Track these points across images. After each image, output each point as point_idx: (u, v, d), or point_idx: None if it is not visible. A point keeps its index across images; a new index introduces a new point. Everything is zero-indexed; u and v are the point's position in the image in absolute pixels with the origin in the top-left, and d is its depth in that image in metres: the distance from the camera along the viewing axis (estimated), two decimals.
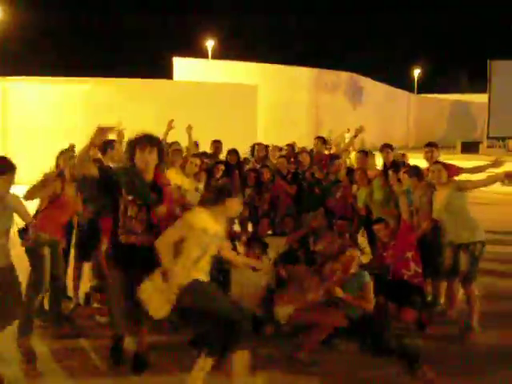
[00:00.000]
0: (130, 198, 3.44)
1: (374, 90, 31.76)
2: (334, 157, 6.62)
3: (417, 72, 43.42)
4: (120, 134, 6.23)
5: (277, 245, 4.98)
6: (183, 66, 24.04)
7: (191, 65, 24.26)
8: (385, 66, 39.98)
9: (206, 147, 7.29)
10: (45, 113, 18.37)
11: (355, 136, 6.77)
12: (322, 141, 6.92)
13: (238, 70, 25.01)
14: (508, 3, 43.37)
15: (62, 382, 3.40)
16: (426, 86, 42.52)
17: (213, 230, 3.30)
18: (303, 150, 6.74)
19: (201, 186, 6.17)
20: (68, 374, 3.46)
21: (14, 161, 5.29)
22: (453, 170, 5.28)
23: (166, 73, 23.46)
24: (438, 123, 37.33)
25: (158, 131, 15.28)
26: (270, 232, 5.65)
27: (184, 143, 7.18)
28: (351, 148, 7.39)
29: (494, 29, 47.07)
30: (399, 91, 36.72)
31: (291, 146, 7.25)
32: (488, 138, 26.79)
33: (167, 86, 19.94)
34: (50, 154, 5.39)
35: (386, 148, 6.48)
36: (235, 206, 3.38)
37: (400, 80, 39.10)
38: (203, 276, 3.33)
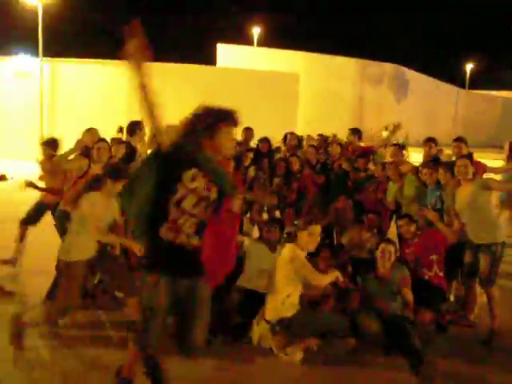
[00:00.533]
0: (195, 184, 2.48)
1: (421, 83, 30.77)
2: (368, 152, 6.47)
3: (469, 67, 41.74)
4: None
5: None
6: (227, 53, 24.06)
7: (234, 51, 24.24)
8: (434, 58, 38.69)
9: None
10: (91, 94, 18.89)
11: (393, 132, 6.58)
12: (356, 132, 6.75)
13: (281, 58, 24.83)
14: None
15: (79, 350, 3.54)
16: (477, 82, 40.96)
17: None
18: (334, 140, 6.61)
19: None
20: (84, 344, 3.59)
21: (62, 140, 5.49)
22: (479, 167, 5.09)
23: (210, 59, 23.54)
24: (487, 121, 35.85)
25: None
26: (295, 222, 5.60)
27: None
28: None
29: None
30: (447, 86, 35.41)
31: (322, 137, 7.13)
32: None
33: (208, 71, 20.03)
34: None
35: (429, 142, 6.23)
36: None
37: (450, 75, 37.83)
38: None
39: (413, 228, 4.44)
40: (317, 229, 3.91)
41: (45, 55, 19.04)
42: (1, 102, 18.74)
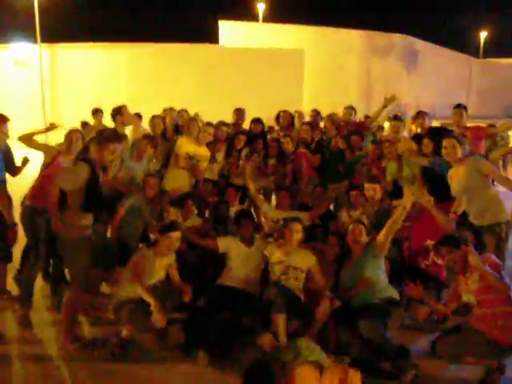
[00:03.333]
0: None
1: (431, 53, 29.74)
2: (360, 128, 6.11)
3: (483, 35, 40.31)
4: None
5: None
6: (229, 30, 23.49)
7: (238, 28, 23.65)
8: (446, 28, 37.44)
9: (249, 115, 6.94)
10: (92, 79, 18.60)
11: (384, 106, 6.17)
12: (351, 109, 6.40)
13: (286, 34, 24.17)
14: None
15: None
16: (491, 51, 39.55)
17: None
18: (330, 117, 6.24)
19: (219, 156, 5.88)
20: None
21: (63, 125, 5.32)
22: (474, 132, 4.76)
23: (211, 37, 23.02)
24: (503, 91, 34.72)
25: (201, 97, 15.07)
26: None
27: (225, 114, 6.95)
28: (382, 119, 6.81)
29: None
30: (460, 55, 34.23)
31: (316, 112, 6.75)
32: None
33: (210, 51, 19.58)
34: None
35: (420, 115, 5.92)
36: None
37: (463, 44, 36.57)
38: None
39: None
40: (296, 226, 3.93)
41: (43, 41, 18.73)
42: (2, 90, 18.55)
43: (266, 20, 28.87)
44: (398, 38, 26.85)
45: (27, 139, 4.40)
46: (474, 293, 3.24)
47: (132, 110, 6.03)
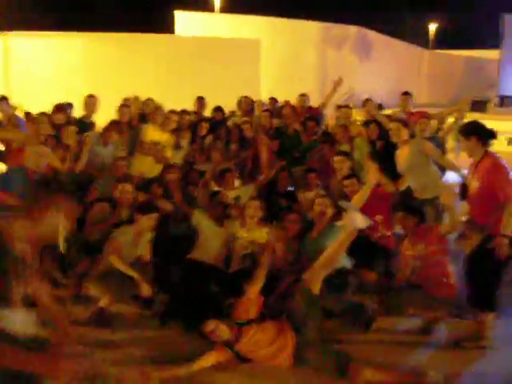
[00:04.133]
0: None
1: (384, 45, 30.73)
2: (315, 114, 6.54)
3: (433, 26, 41.82)
4: None
5: (246, 193, 5.03)
6: (185, 20, 23.43)
7: (193, 19, 23.62)
8: (398, 19, 38.56)
9: (209, 104, 7.22)
10: (45, 69, 18.20)
11: (334, 89, 6.63)
12: (303, 96, 6.85)
13: (243, 24, 24.32)
14: None
15: None
16: (443, 42, 40.99)
17: None
18: (286, 103, 6.64)
19: (184, 143, 6.15)
20: None
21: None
22: (418, 116, 5.29)
23: (167, 27, 22.89)
24: (450, 80, 36.26)
25: (159, 87, 15.10)
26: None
27: (185, 102, 7.17)
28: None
29: None
30: (411, 46, 35.49)
31: (273, 100, 7.15)
32: (498, 96, 26.00)
33: (167, 40, 19.56)
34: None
35: (367, 102, 6.40)
36: None
37: (414, 35, 37.72)
38: None
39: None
40: (255, 203, 4.37)
41: None
42: None
43: (222, 10, 28.90)
44: (353, 30, 27.56)
45: None
46: (418, 256, 3.72)
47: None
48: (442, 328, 3.80)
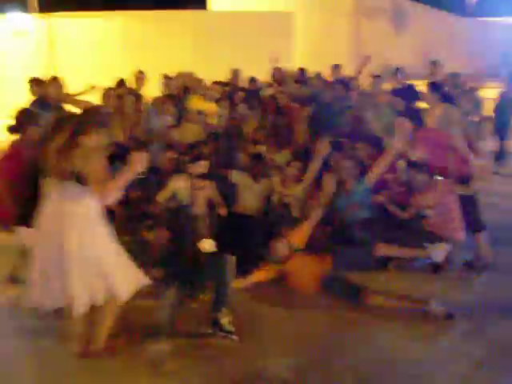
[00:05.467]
0: None
1: (421, 14, 30.12)
2: (346, 82, 7.01)
3: None
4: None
5: (283, 157, 5.65)
6: None
7: None
8: None
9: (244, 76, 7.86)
10: (88, 48, 19.06)
11: (362, 66, 7.10)
12: (336, 67, 7.31)
13: None
14: None
15: None
16: (483, 10, 39.69)
17: None
18: (317, 74, 7.15)
19: (225, 111, 6.78)
20: None
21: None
22: None
23: (201, 3, 23.30)
24: (487, 49, 35.22)
25: (194, 62, 15.80)
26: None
27: (222, 74, 7.78)
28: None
29: None
30: (448, 15, 34.57)
31: (302, 70, 7.66)
32: None
33: (201, 16, 20.11)
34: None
35: (397, 72, 6.81)
36: None
37: (453, 4, 36.65)
38: None
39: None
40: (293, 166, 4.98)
41: (40, 10, 19.11)
42: (1, 61, 18.96)
43: None
44: (386, 0, 27.21)
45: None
46: (429, 205, 4.31)
47: (130, 75, 6.73)
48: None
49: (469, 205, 4.43)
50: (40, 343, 3.55)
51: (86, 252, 2.94)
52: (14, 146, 3.92)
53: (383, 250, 4.33)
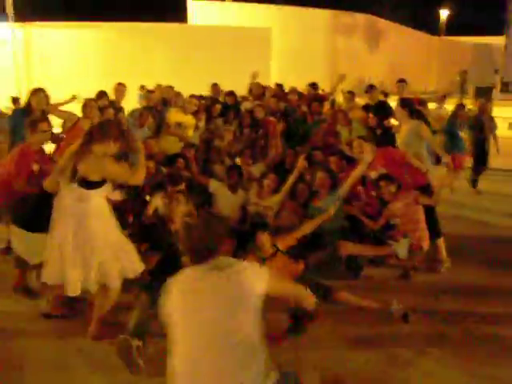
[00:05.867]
0: None
1: (394, 32, 31.10)
2: (322, 98, 7.28)
3: (444, 13, 41.76)
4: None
5: (257, 169, 5.82)
6: (198, 10, 24.08)
7: (206, 8, 24.26)
8: (408, 6, 38.65)
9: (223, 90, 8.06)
10: (64, 58, 19.03)
11: (337, 83, 7.39)
12: (312, 85, 7.60)
13: (254, 13, 24.91)
14: None
15: None
16: (454, 29, 41.03)
17: None
18: (292, 89, 7.38)
19: (201, 123, 6.94)
20: None
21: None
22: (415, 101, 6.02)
23: (180, 16, 23.55)
24: (459, 68, 36.44)
25: (172, 75, 15.97)
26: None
27: (199, 88, 7.95)
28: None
29: None
30: (421, 34, 35.79)
31: (279, 86, 7.89)
32: (502, 82, 26.36)
33: (180, 30, 20.30)
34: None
35: (369, 89, 7.12)
36: None
37: (425, 22, 37.84)
38: None
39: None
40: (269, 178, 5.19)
41: (16, 20, 19.01)
42: None
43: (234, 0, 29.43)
44: (362, 18, 28.03)
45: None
46: (397, 215, 4.54)
47: (106, 88, 6.84)
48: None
49: (430, 214, 4.69)
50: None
51: (102, 237, 3.42)
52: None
53: (348, 247, 4.54)
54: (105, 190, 3.48)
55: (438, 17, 41.88)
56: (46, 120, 4.46)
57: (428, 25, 38.60)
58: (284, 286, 2.47)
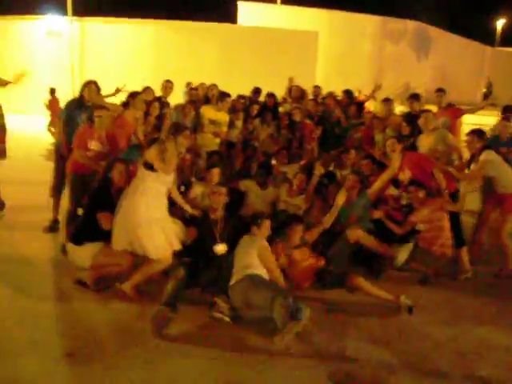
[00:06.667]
0: None
1: (444, 41, 30.42)
2: (359, 103, 7.38)
3: (500, 23, 40.46)
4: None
5: (291, 170, 6.02)
6: (248, 11, 24.44)
7: (256, 9, 24.58)
8: (462, 15, 37.72)
9: (265, 91, 8.27)
10: (117, 51, 19.79)
11: (374, 91, 7.47)
12: (347, 93, 7.71)
13: (302, 16, 25.03)
14: None
15: None
16: (510, 40, 39.70)
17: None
18: (329, 94, 7.51)
19: (239, 122, 7.19)
20: None
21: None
22: (451, 112, 6.02)
23: (230, 17, 23.98)
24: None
25: (220, 72, 16.34)
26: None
27: (246, 88, 8.21)
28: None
29: None
30: (473, 43, 34.77)
31: (317, 88, 8.02)
32: None
33: (230, 30, 20.63)
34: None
35: (410, 98, 7.13)
36: None
37: (480, 32, 36.84)
38: None
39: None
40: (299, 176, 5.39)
41: (74, 14, 19.93)
42: (33, 60, 19.78)
43: (283, 2, 29.63)
44: (411, 25, 27.62)
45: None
46: (423, 221, 4.64)
47: (155, 83, 7.18)
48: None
49: (455, 222, 4.76)
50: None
51: (152, 213, 4.08)
52: None
53: (357, 233, 4.75)
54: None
55: (493, 27, 40.65)
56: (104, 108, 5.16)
57: (483, 34, 37.57)
58: (269, 260, 4.04)
